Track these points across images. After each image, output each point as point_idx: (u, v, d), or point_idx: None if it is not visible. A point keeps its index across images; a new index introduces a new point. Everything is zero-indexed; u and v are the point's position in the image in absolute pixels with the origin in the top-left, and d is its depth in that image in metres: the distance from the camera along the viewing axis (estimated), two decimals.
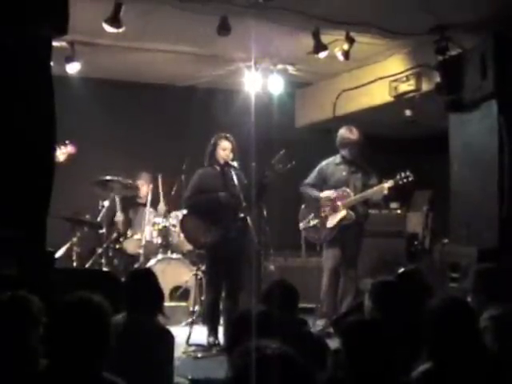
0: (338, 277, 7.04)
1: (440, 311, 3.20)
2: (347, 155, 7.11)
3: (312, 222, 7.15)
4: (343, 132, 7.12)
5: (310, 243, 7.72)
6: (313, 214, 7.17)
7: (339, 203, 7.02)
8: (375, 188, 6.97)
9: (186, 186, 6.91)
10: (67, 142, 7.20)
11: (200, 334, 6.53)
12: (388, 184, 6.89)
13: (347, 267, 7.02)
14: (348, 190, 7.03)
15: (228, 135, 6.56)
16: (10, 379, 2.75)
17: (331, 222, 7.05)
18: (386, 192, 6.92)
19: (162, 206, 8.07)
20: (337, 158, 7.20)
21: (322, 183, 7.18)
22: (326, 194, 7.08)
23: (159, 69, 8.47)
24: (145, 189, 8.42)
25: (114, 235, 8.09)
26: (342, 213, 7.00)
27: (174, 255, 7.76)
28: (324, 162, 7.25)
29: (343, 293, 7.00)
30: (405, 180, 6.86)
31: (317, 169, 7.24)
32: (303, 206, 7.31)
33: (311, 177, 7.24)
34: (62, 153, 7.09)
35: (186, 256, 7.82)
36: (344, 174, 7.11)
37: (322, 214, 7.11)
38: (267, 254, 7.83)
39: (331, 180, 7.14)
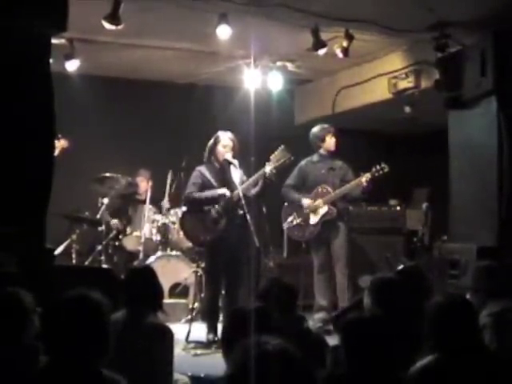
0: (329, 272, 7.14)
1: (443, 307, 3.22)
2: (329, 147, 7.25)
3: (295, 221, 7.23)
4: (317, 129, 7.32)
5: (294, 242, 7.72)
6: (295, 213, 7.25)
7: (320, 200, 7.12)
8: (353, 182, 7.09)
9: (186, 183, 6.90)
10: (59, 135, 7.19)
11: (199, 330, 6.53)
12: (365, 177, 7.01)
13: (338, 263, 7.10)
14: (327, 187, 7.15)
15: (229, 132, 6.57)
16: (7, 377, 2.75)
17: (313, 219, 7.16)
18: (364, 185, 7.00)
19: (165, 202, 8.06)
20: (314, 157, 7.35)
21: (302, 182, 7.33)
22: (307, 202, 7.16)
23: (158, 66, 8.46)
24: (144, 186, 8.42)
25: (114, 232, 8.09)
26: (324, 209, 7.11)
27: (174, 252, 7.76)
28: (303, 162, 7.39)
29: (339, 290, 7.09)
30: (380, 172, 7.01)
31: (296, 168, 7.37)
32: (285, 206, 7.39)
33: (291, 177, 7.37)
34: (55, 147, 7.08)
35: (186, 253, 7.81)
36: (322, 171, 7.25)
37: (305, 212, 7.20)
38: (266, 251, 7.83)
39: (310, 178, 7.30)
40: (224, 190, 6.44)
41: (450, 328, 3.13)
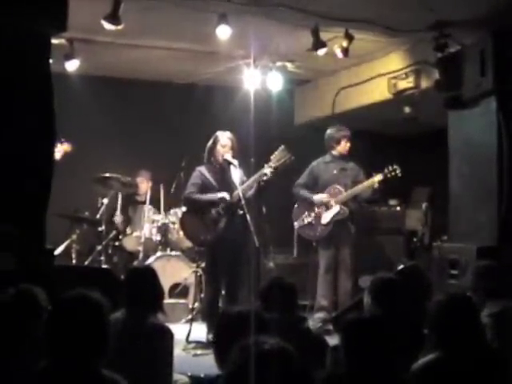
0: (334, 272, 7.16)
1: (444, 306, 3.23)
2: (342, 151, 7.30)
3: (306, 220, 7.28)
4: (334, 131, 7.36)
5: (304, 241, 7.75)
6: (306, 213, 7.29)
7: (331, 200, 7.14)
8: (364, 183, 7.14)
9: (185, 183, 6.91)
10: (63, 139, 7.20)
11: (199, 331, 6.54)
12: (377, 178, 7.07)
13: (343, 264, 7.15)
14: (339, 187, 7.18)
15: (228, 132, 6.57)
16: (16, 374, 2.75)
17: (325, 218, 7.20)
18: (376, 186, 7.07)
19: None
20: (326, 157, 7.41)
21: (314, 182, 7.36)
22: (319, 197, 7.19)
23: (158, 66, 8.46)
24: (144, 186, 8.43)
25: (114, 232, 8.09)
26: (336, 208, 7.15)
27: (174, 252, 7.76)
28: (314, 162, 7.45)
29: (342, 290, 7.15)
30: (392, 173, 7.05)
31: (308, 169, 7.44)
32: (296, 206, 7.43)
33: (303, 177, 7.43)
34: (58, 151, 7.08)
35: (186, 253, 7.82)
36: (334, 172, 7.30)
37: (316, 211, 7.23)
38: (266, 251, 7.84)
39: (322, 178, 7.33)
40: (224, 194, 6.43)
41: (452, 326, 3.14)
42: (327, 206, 7.17)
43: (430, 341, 3.24)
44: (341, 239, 7.16)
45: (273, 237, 7.92)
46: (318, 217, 7.22)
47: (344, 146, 7.29)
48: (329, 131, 7.38)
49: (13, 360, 2.89)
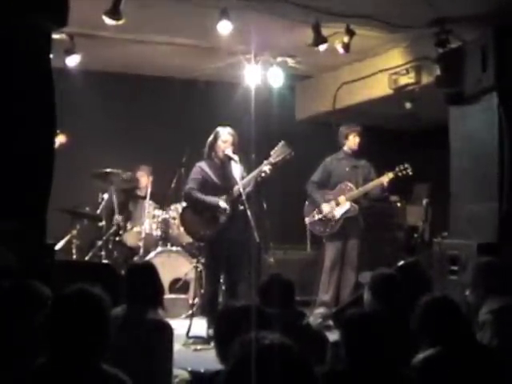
0: (339, 269, 7.20)
1: (428, 307, 3.27)
2: (351, 146, 7.37)
3: (317, 216, 7.31)
4: (343, 127, 7.46)
5: (313, 237, 7.79)
6: (317, 209, 7.33)
7: (342, 197, 7.18)
8: (375, 181, 7.18)
9: (186, 178, 6.91)
10: (58, 131, 7.18)
11: (200, 326, 6.54)
12: (388, 176, 7.15)
13: (350, 258, 7.22)
14: (350, 184, 7.23)
15: (229, 128, 6.57)
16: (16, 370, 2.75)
17: (336, 214, 7.20)
18: (386, 184, 7.14)
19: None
20: (339, 154, 7.48)
21: (327, 179, 7.43)
22: (327, 209, 7.23)
23: (159, 61, 8.45)
24: (144, 181, 8.43)
25: (114, 228, 8.09)
26: (346, 205, 7.22)
27: (174, 248, 7.77)
28: (328, 159, 7.52)
29: (346, 285, 7.21)
30: (404, 172, 7.15)
31: (321, 165, 7.50)
32: (307, 202, 7.46)
33: (316, 174, 7.49)
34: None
35: (186, 248, 7.83)
36: (346, 169, 7.38)
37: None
38: (266, 247, 7.85)
39: (334, 175, 7.41)
40: (225, 205, 6.41)
41: (436, 326, 3.18)
42: (338, 202, 7.23)
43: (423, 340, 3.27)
44: (350, 235, 7.25)
45: (276, 232, 7.92)
46: (329, 213, 7.26)
47: (353, 141, 7.36)
48: (341, 129, 7.48)
49: (12, 355, 2.89)
